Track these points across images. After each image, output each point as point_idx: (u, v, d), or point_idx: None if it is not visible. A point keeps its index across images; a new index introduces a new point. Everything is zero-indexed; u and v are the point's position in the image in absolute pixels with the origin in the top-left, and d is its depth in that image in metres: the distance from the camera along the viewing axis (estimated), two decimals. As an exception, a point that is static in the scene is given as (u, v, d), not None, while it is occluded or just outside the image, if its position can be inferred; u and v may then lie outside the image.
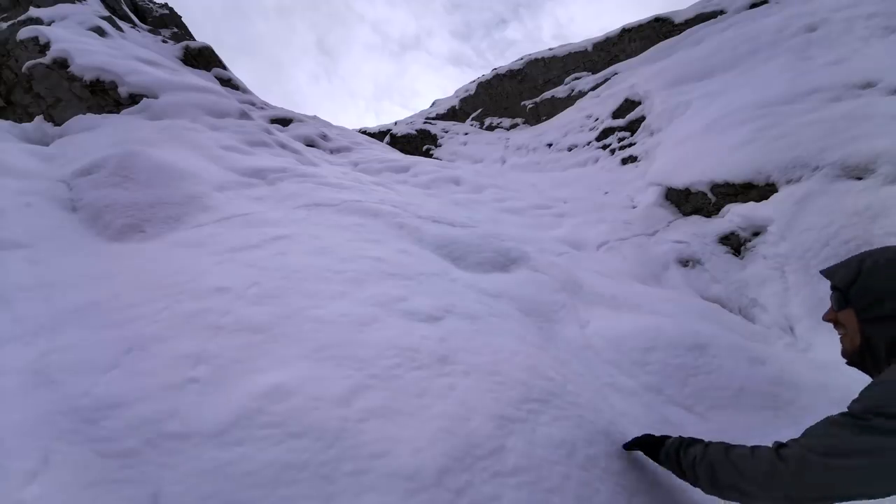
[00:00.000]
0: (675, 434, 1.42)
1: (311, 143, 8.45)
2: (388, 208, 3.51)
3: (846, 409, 0.94)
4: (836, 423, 0.93)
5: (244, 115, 5.94)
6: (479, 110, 22.24)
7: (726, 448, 1.15)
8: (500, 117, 20.83)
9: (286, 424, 1.30)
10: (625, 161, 8.33)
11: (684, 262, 4.03)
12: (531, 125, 17.61)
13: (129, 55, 6.58)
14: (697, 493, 1.30)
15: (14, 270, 2.12)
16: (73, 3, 8.48)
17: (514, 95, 21.07)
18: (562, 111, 15.19)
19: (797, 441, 0.99)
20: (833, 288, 1.15)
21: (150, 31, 11.00)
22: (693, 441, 1.28)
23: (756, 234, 3.72)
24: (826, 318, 1.18)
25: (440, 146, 17.01)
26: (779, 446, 1.02)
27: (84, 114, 5.07)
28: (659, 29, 16.47)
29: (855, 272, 1.11)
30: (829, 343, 2.55)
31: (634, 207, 5.78)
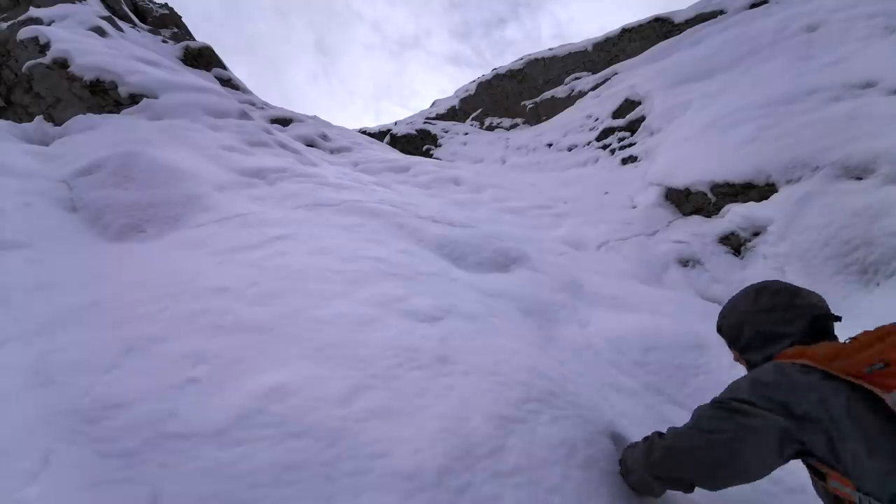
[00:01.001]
0: None
1: (311, 144, 8.45)
2: (388, 208, 3.51)
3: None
4: (705, 408, 1.20)
5: (244, 115, 5.94)
6: (479, 110, 22.24)
7: (633, 444, 1.45)
8: (500, 117, 20.83)
9: (286, 424, 1.30)
10: (625, 161, 8.32)
11: (684, 262, 4.03)
12: (531, 125, 17.61)
13: (129, 55, 6.58)
14: (698, 493, 1.31)
15: (14, 270, 2.12)
16: (73, 3, 8.48)
17: (514, 95, 21.07)
18: (562, 111, 15.19)
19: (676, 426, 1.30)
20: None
21: (150, 31, 11.00)
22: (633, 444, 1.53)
23: (756, 234, 3.72)
24: (735, 360, 1.45)
25: (440, 146, 17.01)
26: (660, 434, 1.33)
27: (84, 114, 5.07)
28: (659, 29, 16.47)
29: (719, 318, 1.44)
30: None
31: (634, 207, 5.78)
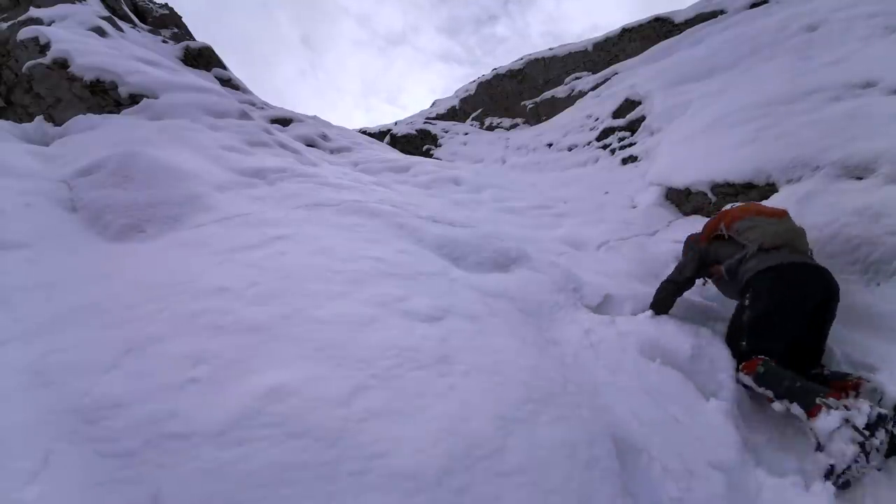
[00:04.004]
0: (675, 432, 1.42)
1: (311, 143, 8.44)
2: (387, 208, 3.50)
3: None
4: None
5: (244, 115, 5.94)
6: (480, 110, 22.24)
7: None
8: (500, 117, 20.83)
9: (287, 424, 1.30)
10: (625, 161, 8.31)
11: (685, 262, 4.03)
12: (531, 125, 17.61)
13: (129, 55, 6.59)
14: (702, 493, 1.30)
15: (14, 270, 2.12)
16: (73, 3, 8.48)
17: (514, 95, 21.06)
18: (562, 111, 15.18)
19: None
20: None
21: (150, 31, 11.00)
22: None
23: (756, 233, 3.69)
24: None
25: (440, 146, 17.01)
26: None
27: (84, 114, 5.07)
28: (659, 29, 16.46)
29: None
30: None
31: (635, 207, 5.77)
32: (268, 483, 1.15)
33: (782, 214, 2.59)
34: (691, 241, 3.03)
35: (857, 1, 6.74)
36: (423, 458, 1.27)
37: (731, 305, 2.60)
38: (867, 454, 1.57)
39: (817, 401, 1.75)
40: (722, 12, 13.69)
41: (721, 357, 2.37)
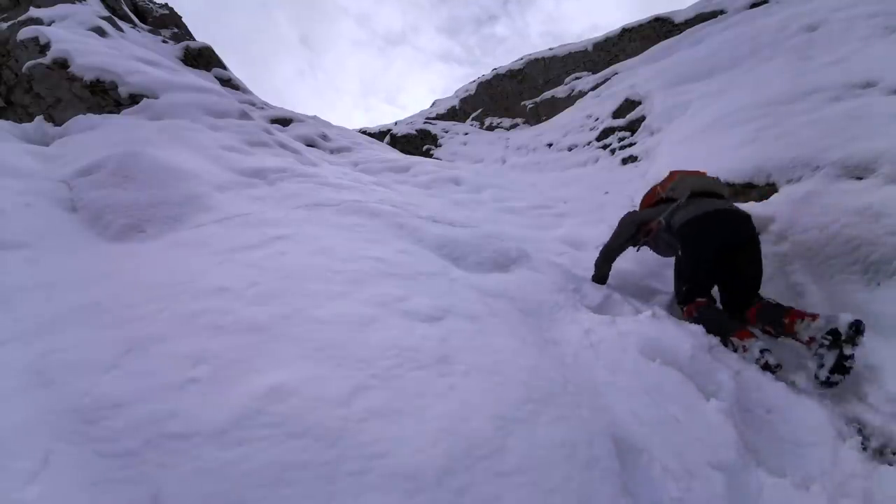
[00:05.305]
0: (675, 432, 1.42)
1: (311, 143, 8.44)
2: (388, 208, 3.50)
3: None
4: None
5: (244, 115, 5.94)
6: (480, 110, 22.24)
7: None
8: (500, 117, 20.83)
9: (287, 424, 1.30)
10: (625, 161, 8.31)
11: (685, 262, 4.02)
12: (531, 125, 17.60)
13: (129, 55, 6.59)
14: (702, 493, 1.30)
15: (14, 270, 2.12)
16: (73, 3, 8.48)
17: (514, 95, 21.07)
18: (562, 111, 15.18)
19: None
20: None
21: (150, 31, 11.00)
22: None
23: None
24: None
25: (440, 146, 17.00)
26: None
27: (84, 114, 5.07)
28: (659, 29, 16.47)
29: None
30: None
31: (635, 207, 5.76)
32: (268, 483, 1.15)
33: (703, 174, 3.26)
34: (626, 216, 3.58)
35: (857, 1, 6.74)
36: (423, 458, 1.27)
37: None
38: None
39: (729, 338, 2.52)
40: (722, 12, 13.70)
41: (721, 357, 2.37)
